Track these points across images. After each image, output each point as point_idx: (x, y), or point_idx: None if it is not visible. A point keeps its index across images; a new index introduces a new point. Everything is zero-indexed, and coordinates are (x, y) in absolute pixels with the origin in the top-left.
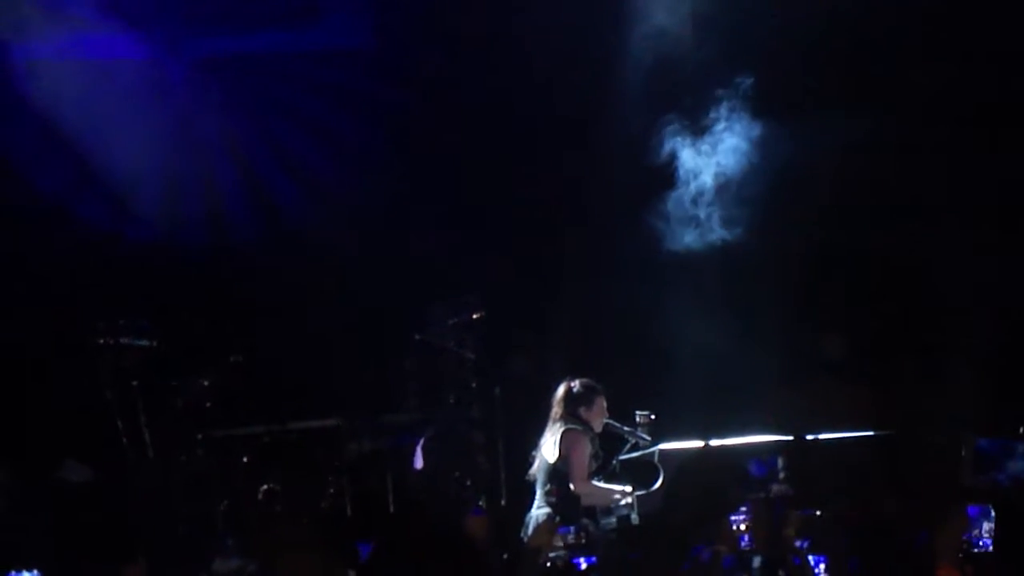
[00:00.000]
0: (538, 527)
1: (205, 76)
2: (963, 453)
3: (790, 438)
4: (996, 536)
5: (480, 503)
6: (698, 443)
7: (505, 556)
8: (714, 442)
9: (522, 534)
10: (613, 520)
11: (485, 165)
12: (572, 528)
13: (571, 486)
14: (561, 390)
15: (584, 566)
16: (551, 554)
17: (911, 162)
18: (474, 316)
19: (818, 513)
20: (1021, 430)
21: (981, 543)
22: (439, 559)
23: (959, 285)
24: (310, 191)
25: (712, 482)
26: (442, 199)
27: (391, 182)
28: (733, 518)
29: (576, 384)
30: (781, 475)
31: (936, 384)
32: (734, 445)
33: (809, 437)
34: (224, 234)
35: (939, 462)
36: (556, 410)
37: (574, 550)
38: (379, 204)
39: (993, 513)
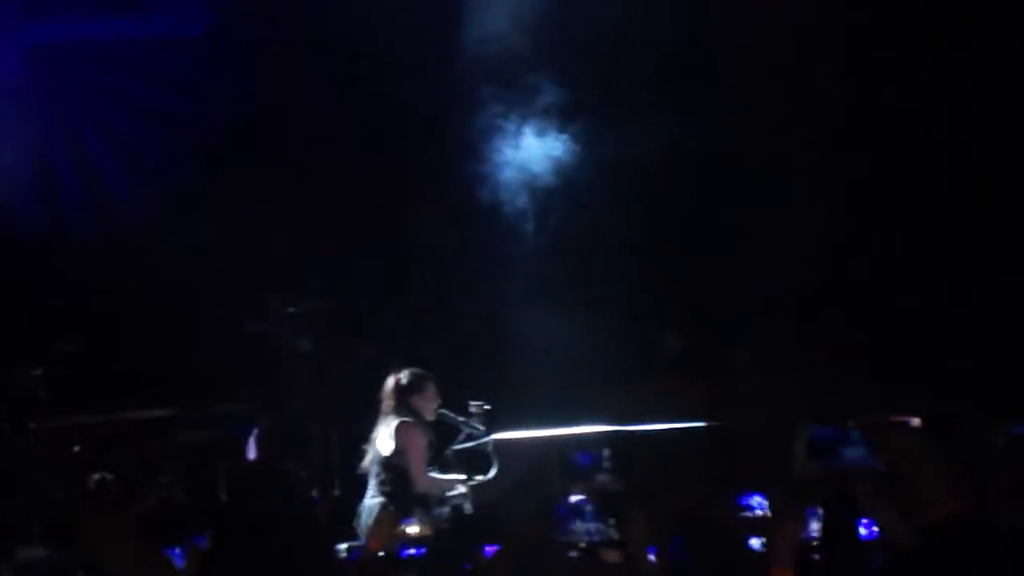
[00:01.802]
0: (379, 520)
1: (37, 64)
2: (796, 441)
3: (618, 428)
4: (822, 533)
5: (313, 493)
6: (530, 433)
7: (344, 547)
8: (542, 432)
9: (355, 523)
10: (446, 510)
11: (327, 153)
12: (412, 519)
13: (411, 479)
14: (390, 383)
15: (411, 555)
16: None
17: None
18: (311, 306)
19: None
20: (849, 422)
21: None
22: (279, 548)
23: (788, 268)
24: (144, 179)
25: (537, 472)
26: (283, 187)
27: (230, 170)
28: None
29: (404, 375)
30: (606, 465)
31: (768, 374)
32: (561, 436)
33: (637, 428)
34: (58, 221)
35: (771, 451)
36: (388, 403)
37: (416, 542)
38: (219, 192)
39: (821, 511)
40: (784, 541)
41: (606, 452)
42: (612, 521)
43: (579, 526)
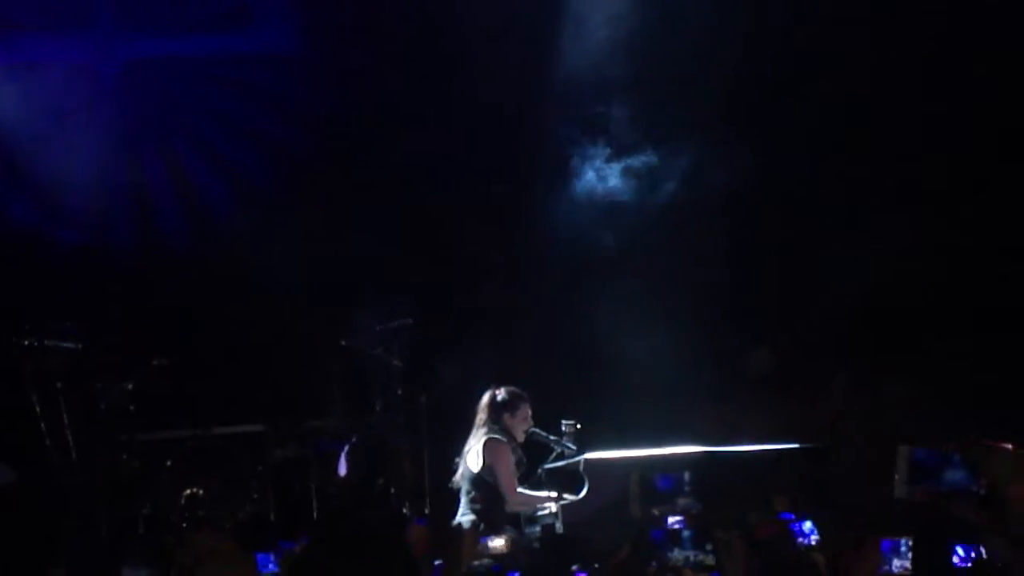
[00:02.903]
0: (462, 535)
1: (135, 78)
2: (898, 464)
3: (701, 449)
4: (914, 560)
5: (404, 509)
6: (622, 453)
7: (435, 563)
8: (626, 453)
9: None
10: (537, 529)
11: (413, 171)
12: (497, 536)
13: (503, 496)
14: (486, 397)
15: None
16: (475, 563)
17: (836, 174)
18: (401, 323)
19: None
20: (943, 448)
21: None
22: (370, 564)
23: (891, 294)
24: (239, 195)
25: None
26: (370, 205)
27: (319, 186)
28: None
29: (501, 391)
30: (687, 489)
31: (870, 396)
32: (646, 457)
33: (720, 449)
34: (151, 237)
35: (871, 473)
36: (480, 417)
37: (500, 559)
38: (307, 209)
39: (909, 543)
40: (866, 568)
41: (686, 475)
42: (709, 547)
43: (676, 552)
